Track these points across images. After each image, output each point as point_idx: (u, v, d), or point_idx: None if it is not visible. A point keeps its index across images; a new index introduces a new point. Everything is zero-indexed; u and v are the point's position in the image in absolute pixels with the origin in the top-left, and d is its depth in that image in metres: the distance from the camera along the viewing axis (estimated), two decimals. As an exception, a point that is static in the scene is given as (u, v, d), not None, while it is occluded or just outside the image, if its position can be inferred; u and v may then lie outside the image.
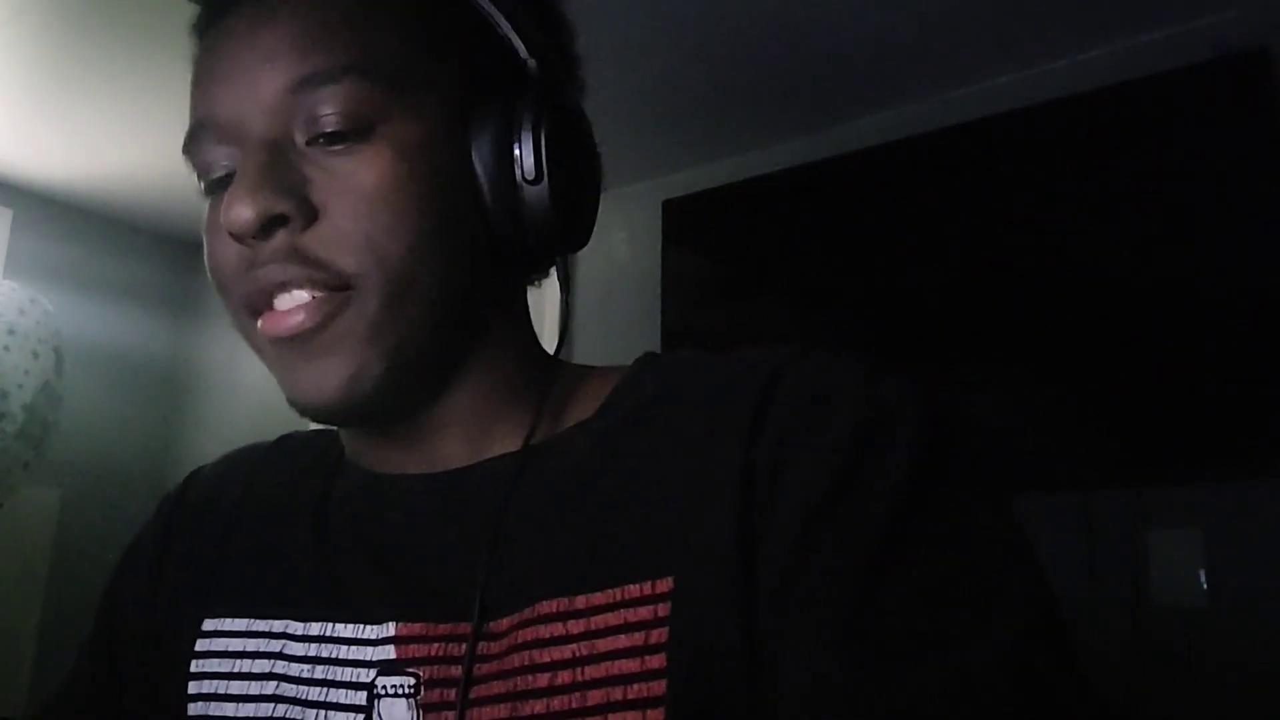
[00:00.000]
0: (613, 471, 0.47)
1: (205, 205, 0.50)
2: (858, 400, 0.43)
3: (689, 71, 1.95)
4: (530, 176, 0.47)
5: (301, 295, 0.45)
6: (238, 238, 0.45)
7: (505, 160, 0.48)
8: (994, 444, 1.51)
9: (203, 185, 0.49)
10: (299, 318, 0.45)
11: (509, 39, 0.49)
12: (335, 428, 0.58)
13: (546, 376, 0.51)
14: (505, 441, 0.50)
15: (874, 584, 0.39)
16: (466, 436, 0.51)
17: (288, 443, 0.63)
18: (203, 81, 0.48)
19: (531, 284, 0.55)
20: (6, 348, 1.72)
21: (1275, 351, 1.51)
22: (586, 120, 0.51)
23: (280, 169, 0.45)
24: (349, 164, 0.45)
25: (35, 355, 1.80)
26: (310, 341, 0.45)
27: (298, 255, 0.45)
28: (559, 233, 0.49)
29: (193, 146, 0.48)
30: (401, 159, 0.45)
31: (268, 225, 0.44)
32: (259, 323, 0.47)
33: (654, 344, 2.16)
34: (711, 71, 1.94)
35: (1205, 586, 1.57)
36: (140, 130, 2.31)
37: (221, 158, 0.47)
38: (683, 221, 2.21)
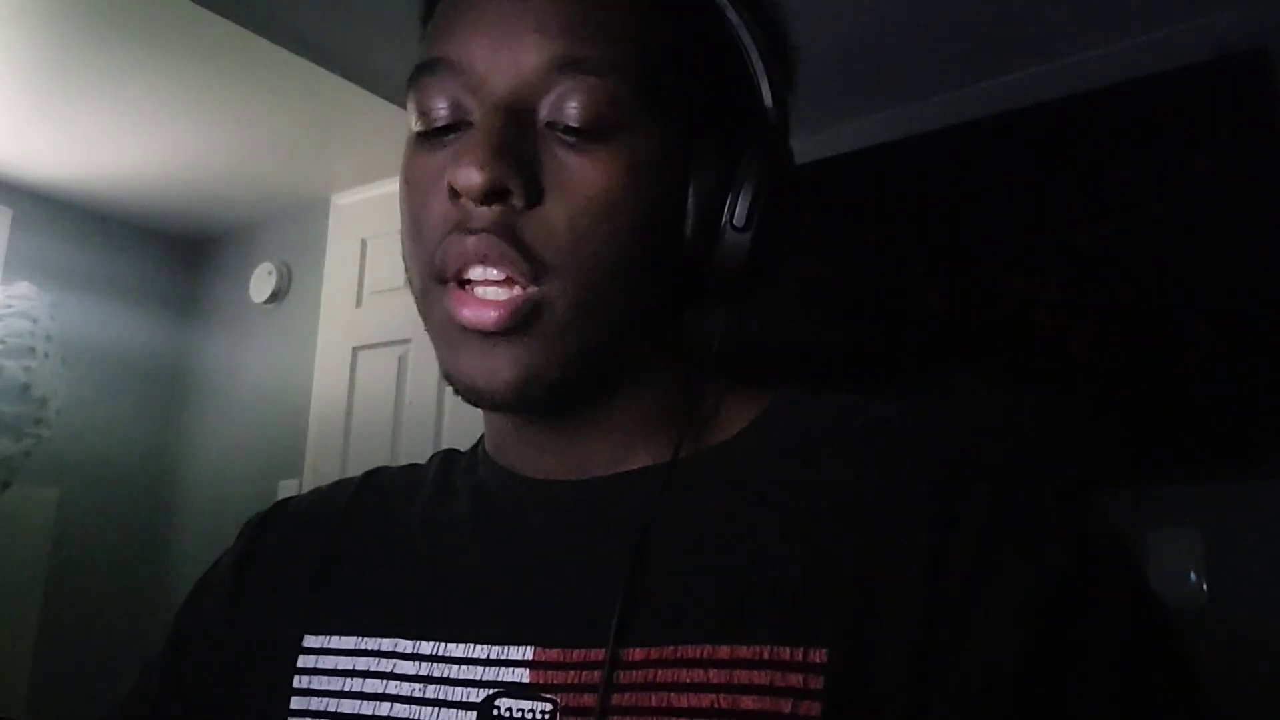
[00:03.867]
0: (767, 506, 0.45)
1: (410, 143, 0.48)
2: (1067, 539, 0.41)
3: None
4: (739, 224, 0.47)
5: (494, 274, 0.44)
6: (455, 196, 0.44)
7: (720, 198, 0.47)
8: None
9: (419, 125, 0.47)
10: (494, 314, 0.44)
11: (757, 77, 0.49)
12: (422, 463, 0.59)
13: (692, 394, 0.51)
14: (649, 453, 0.50)
15: None
16: (613, 444, 0.50)
17: (381, 473, 0.61)
18: (458, 21, 0.47)
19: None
20: (46, 354, 1.75)
21: (1275, 351, 1.51)
22: (799, 181, 0.51)
23: (519, 142, 0.44)
24: (581, 161, 0.44)
25: (64, 361, 1.83)
26: (497, 339, 0.45)
27: (508, 234, 0.44)
28: (742, 282, 0.48)
29: (424, 80, 0.47)
30: (631, 171, 0.45)
31: (491, 195, 0.43)
32: (446, 294, 0.45)
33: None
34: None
35: (1204, 587, 1.57)
36: (140, 130, 2.31)
37: (451, 103, 0.46)
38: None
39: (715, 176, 0.47)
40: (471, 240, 0.44)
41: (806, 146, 2.18)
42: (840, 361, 1.89)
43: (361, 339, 2.48)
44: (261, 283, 2.73)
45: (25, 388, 1.65)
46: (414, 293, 0.49)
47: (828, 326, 1.99)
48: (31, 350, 1.70)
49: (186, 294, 2.93)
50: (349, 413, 2.46)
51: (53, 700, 2.32)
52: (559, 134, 0.45)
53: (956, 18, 1.76)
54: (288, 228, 2.76)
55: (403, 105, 0.49)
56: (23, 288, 1.83)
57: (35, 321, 1.74)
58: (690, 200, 0.47)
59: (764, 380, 0.54)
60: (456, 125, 0.46)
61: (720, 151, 0.48)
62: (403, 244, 0.49)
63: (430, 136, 0.47)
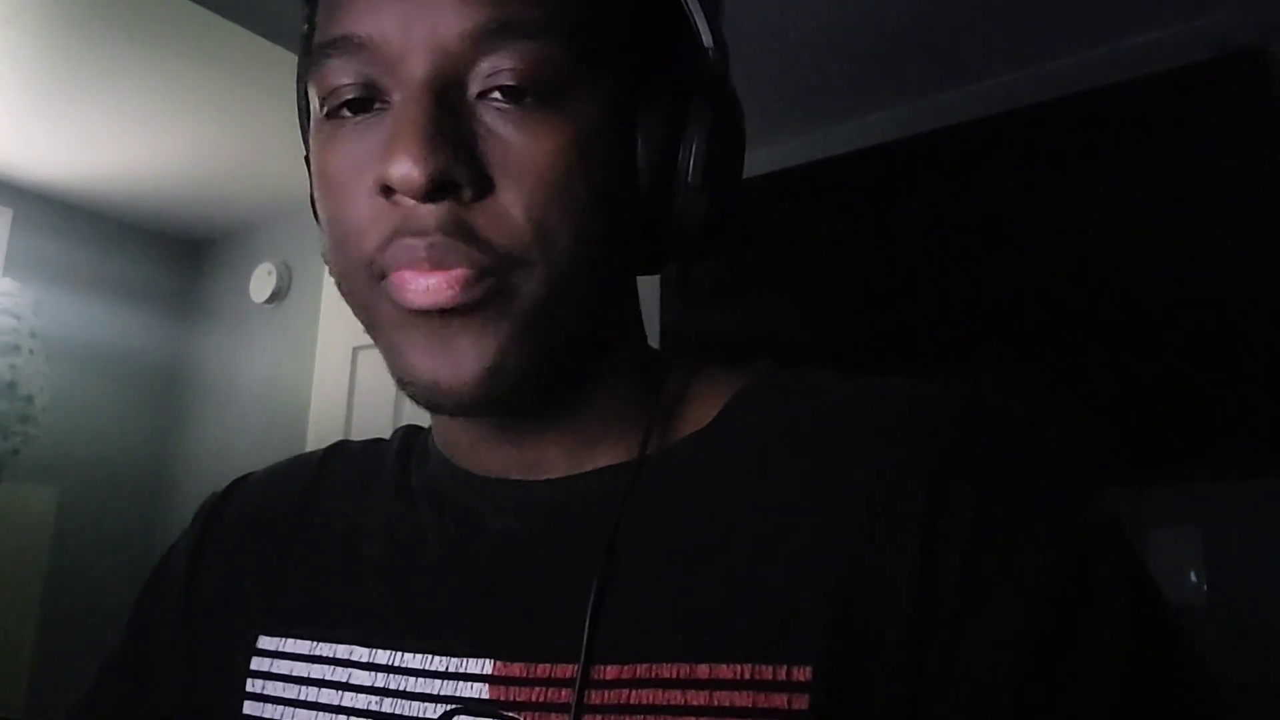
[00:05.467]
0: (740, 507, 0.42)
1: (317, 130, 0.43)
2: (1064, 531, 0.39)
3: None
4: (694, 180, 0.43)
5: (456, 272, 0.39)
6: (389, 192, 0.39)
7: (670, 156, 0.43)
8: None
9: (324, 107, 0.42)
10: (450, 291, 0.39)
11: (695, 21, 0.45)
12: (386, 438, 0.55)
13: (657, 377, 0.47)
14: (612, 449, 0.46)
15: None
16: (575, 440, 0.46)
17: (342, 451, 0.57)
18: None
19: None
20: (32, 351, 1.74)
21: (1275, 351, 1.51)
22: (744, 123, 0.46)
23: (454, 125, 0.39)
24: (525, 137, 0.39)
25: (48, 359, 1.82)
26: (455, 319, 0.39)
27: (461, 229, 0.39)
28: (702, 238, 0.45)
29: (327, 63, 0.41)
30: (579, 140, 0.40)
31: (436, 190, 0.38)
32: (389, 283, 0.40)
33: (653, 343, 2.15)
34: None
35: (1204, 587, 1.57)
36: (140, 130, 2.31)
37: (363, 84, 0.40)
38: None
39: (663, 132, 0.43)
40: (424, 245, 0.39)
41: (804, 146, 2.18)
42: (837, 361, 1.88)
43: (361, 339, 2.42)
44: (261, 283, 2.73)
45: (11, 385, 1.64)
46: (347, 298, 0.43)
47: (825, 326, 1.99)
48: (16, 348, 1.69)
49: (186, 294, 2.93)
50: (349, 413, 2.46)
51: (52, 700, 2.31)
52: (495, 108, 0.40)
53: (955, 18, 1.76)
54: (288, 228, 2.76)
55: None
56: (5, 284, 1.82)
57: (19, 319, 1.73)
58: (641, 160, 0.43)
59: (734, 358, 0.50)
60: (369, 107, 0.41)
61: (665, 104, 0.44)
62: (324, 245, 0.44)
63: (342, 122, 0.41)
